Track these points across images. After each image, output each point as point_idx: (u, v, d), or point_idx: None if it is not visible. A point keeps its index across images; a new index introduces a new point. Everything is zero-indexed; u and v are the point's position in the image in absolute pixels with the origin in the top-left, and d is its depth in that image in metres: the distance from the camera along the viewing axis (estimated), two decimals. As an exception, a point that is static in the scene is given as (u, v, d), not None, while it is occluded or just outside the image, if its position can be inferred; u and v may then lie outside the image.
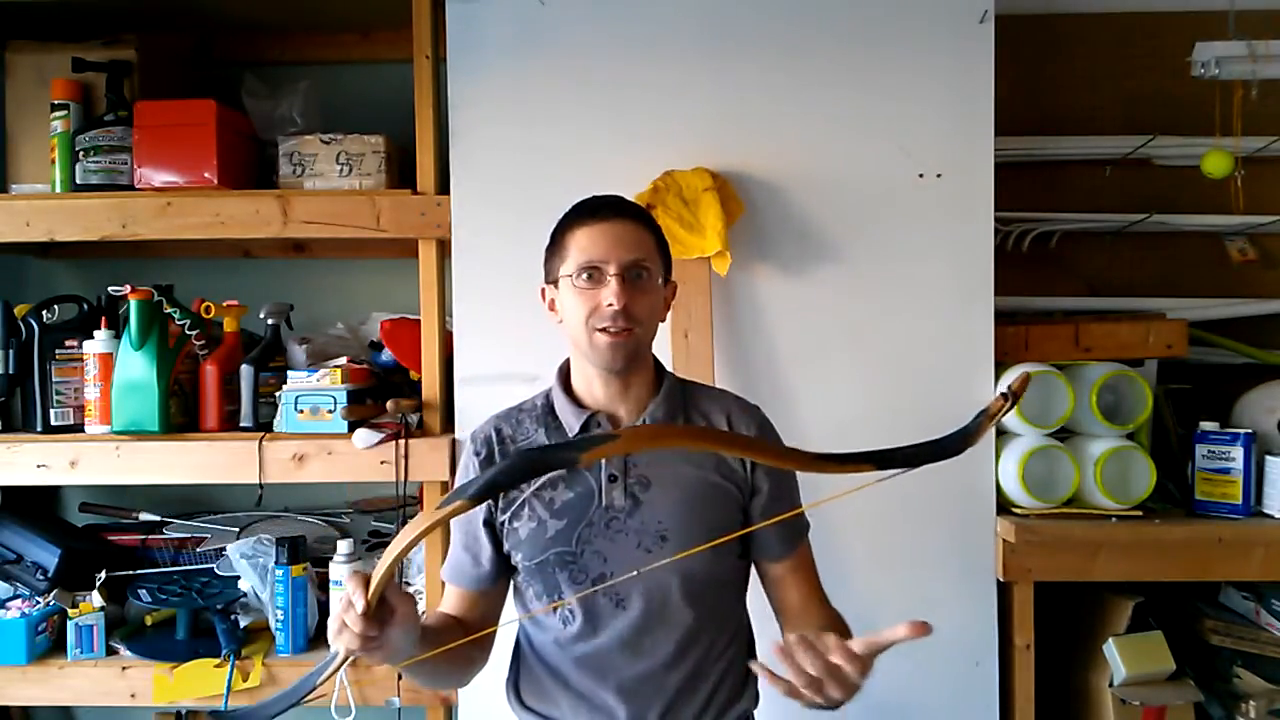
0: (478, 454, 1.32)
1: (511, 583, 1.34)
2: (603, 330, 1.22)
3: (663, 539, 1.24)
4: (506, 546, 1.29)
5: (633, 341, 1.24)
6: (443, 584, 1.37)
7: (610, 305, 1.20)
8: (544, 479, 1.27)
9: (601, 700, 1.26)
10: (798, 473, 1.33)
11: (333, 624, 1.05)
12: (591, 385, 1.30)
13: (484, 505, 1.28)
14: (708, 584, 1.27)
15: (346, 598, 1.03)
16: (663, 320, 1.32)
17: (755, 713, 1.37)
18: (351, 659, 1.09)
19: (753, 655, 1.37)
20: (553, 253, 1.30)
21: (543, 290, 1.32)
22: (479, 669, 1.33)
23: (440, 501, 0.99)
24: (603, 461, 1.25)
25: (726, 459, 1.29)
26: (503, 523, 1.29)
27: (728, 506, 1.28)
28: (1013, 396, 1.04)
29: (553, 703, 1.30)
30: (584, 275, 1.23)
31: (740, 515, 1.30)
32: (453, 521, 1.28)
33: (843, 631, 1.22)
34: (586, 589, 1.24)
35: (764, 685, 1.37)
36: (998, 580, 1.85)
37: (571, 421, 1.29)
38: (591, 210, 1.26)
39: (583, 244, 1.24)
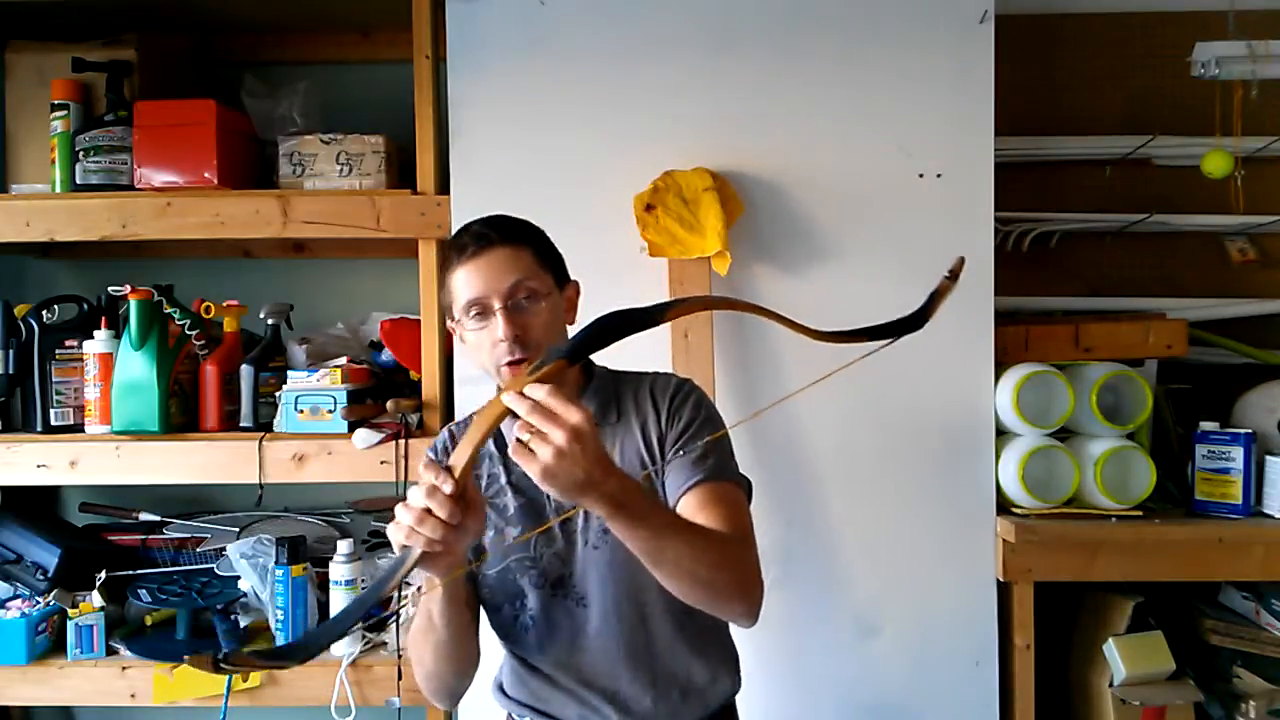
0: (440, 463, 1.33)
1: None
2: (506, 364, 1.22)
3: (605, 532, 1.22)
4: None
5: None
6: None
7: (501, 340, 1.20)
8: (494, 488, 1.29)
9: (584, 695, 1.27)
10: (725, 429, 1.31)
11: (407, 516, 0.99)
12: None
13: None
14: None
15: (430, 484, 0.99)
16: (571, 323, 1.31)
17: (737, 699, 1.36)
18: (416, 563, 1.01)
19: (726, 634, 1.36)
20: (444, 290, 1.29)
21: (450, 328, 1.31)
22: (471, 676, 1.31)
23: (534, 364, 0.99)
24: None
25: (644, 452, 1.27)
26: None
27: (653, 486, 1.27)
28: (954, 275, 1.10)
29: (542, 700, 1.30)
30: (472, 315, 1.23)
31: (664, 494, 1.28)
32: None
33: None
34: (548, 592, 1.25)
35: (746, 670, 1.36)
36: (998, 580, 1.85)
37: (507, 431, 1.28)
38: (461, 248, 1.25)
39: (462, 283, 1.23)
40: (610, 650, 1.25)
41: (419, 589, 1.92)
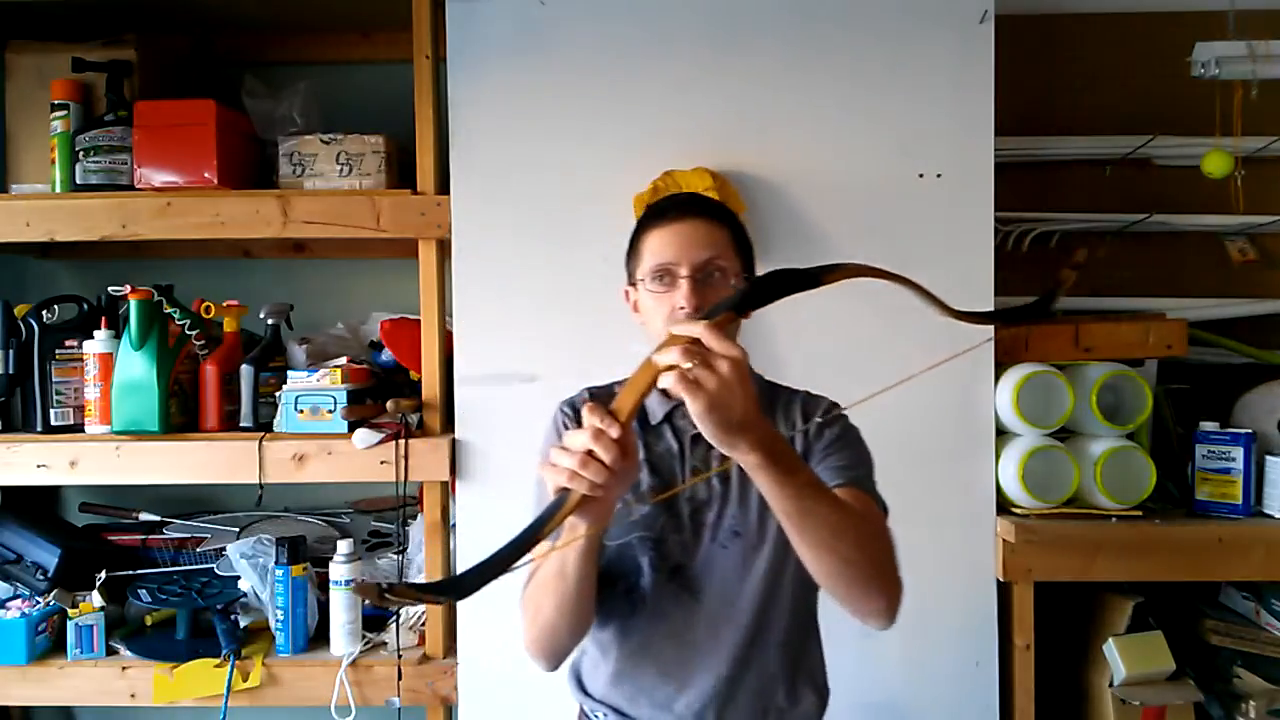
0: (576, 422, 1.27)
1: None
2: None
3: (735, 534, 1.23)
4: None
5: None
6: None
7: (682, 308, 1.19)
8: None
9: (663, 693, 1.25)
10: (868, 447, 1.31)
11: (567, 459, 0.96)
12: None
13: None
14: (778, 579, 1.25)
15: (595, 426, 0.96)
16: (747, 318, 1.28)
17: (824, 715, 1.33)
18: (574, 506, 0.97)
19: (822, 665, 1.34)
20: (630, 255, 1.29)
21: (625, 292, 1.32)
22: (580, 639, 1.27)
23: (713, 309, 0.98)
24: (688, 452, 1.27)
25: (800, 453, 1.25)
26: None
27: None
28: (1077, 266, 1.10)
29: (614, 689, 1.28)
30: (657, 278, 1.22)
31: None
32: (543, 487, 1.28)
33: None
34: (664, 576, 1.23)
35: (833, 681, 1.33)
36: (998, 580, 1.85)
37: (656, 410, 1.30)
38: (661, 212, 1.26)
39: (654, 246, 1.23)
40: (712, 650, 1.24)
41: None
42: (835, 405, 1.33)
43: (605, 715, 1.29)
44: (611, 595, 1.27)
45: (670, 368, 0.94)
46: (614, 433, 0.96)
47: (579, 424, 1.20)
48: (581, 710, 1.34)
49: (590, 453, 0.96)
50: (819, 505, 1.05)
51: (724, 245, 1.24)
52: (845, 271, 1.02)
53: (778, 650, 1.26)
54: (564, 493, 0.97)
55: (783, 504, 1.03)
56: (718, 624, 1.23)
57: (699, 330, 0.95)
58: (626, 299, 1.32)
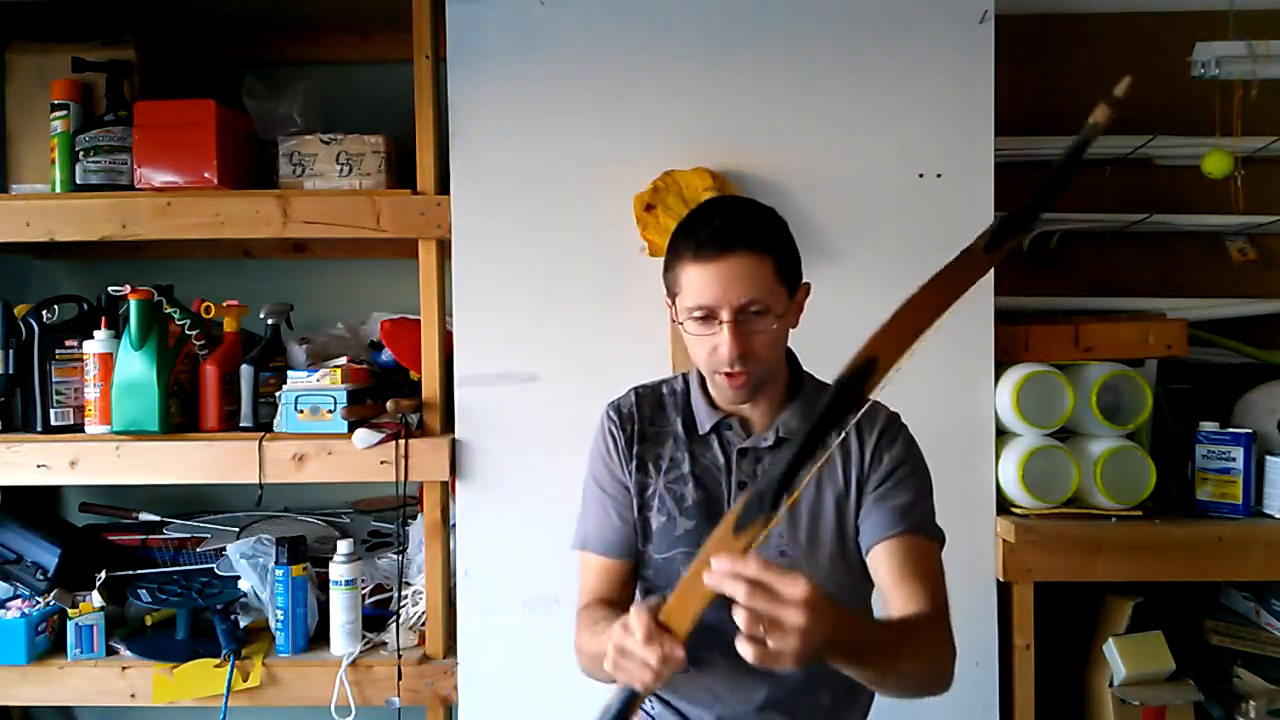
0: (623, 429, 1.29)
1: None
2: (721, 374, 1.20)
3: (781, 554, 1.22)
4: (638, 534, 1.28)
5: (752, 381, 1.21)
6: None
7: (724, 354, 1.17)
8: (674, 474, 1.27)
9: (713, 704, 1.25)
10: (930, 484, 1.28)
11: (628, 664, 0.95)
12: (724, 394, 1.27)
13: (625, 476, 1.28)
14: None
15: (657, 649, 0.93)
16: (794, 326, 1.27)
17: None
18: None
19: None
20: (669, 273, 1.24)
21: (666, 302, 1.28)
22: None
23: (737, 517, 0.90)
24: (734, 465, 1.25)
25: (855, 477, 1.24)
26: (635, 508, 1.28)
27: (846, 519, 1.24)
28: (1117, 104, 0.88)
29: (665, 689, 1.27)
30: (698, 319, 1.19)
31: (857, 529, 1.24)
32: (599, 490, 1.29)
33: (914, 628, 1.12)
34: None
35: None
36: (998, 580, 1.85)
37: (704, 420, 1.29)
38: (700, 243, 1.18)
39: (694, 284, 1.18)
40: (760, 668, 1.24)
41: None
42: (896, 418, 1.30)
43: (651, 704, 1.28)
44: None
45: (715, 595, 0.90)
46: (678, 654, 0.93)
47: (631, 437, 1.24)
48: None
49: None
50: (897, 663, 1.04)
51: (766, 280, 1.18)
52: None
53: (825, 667, 1.27)
54: (628, 688, 0.98)
55: (865, 677, 1.03)
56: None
57: (752, 570, 0.87)
58: (667, 306, 1.29)
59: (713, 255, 1.16)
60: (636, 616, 0.94)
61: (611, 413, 1.32)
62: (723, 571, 0.88)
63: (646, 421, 1.30)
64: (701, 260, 1.17)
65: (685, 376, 1.34)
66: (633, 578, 1.30)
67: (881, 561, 1.19)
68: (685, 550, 1.24)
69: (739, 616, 0.88)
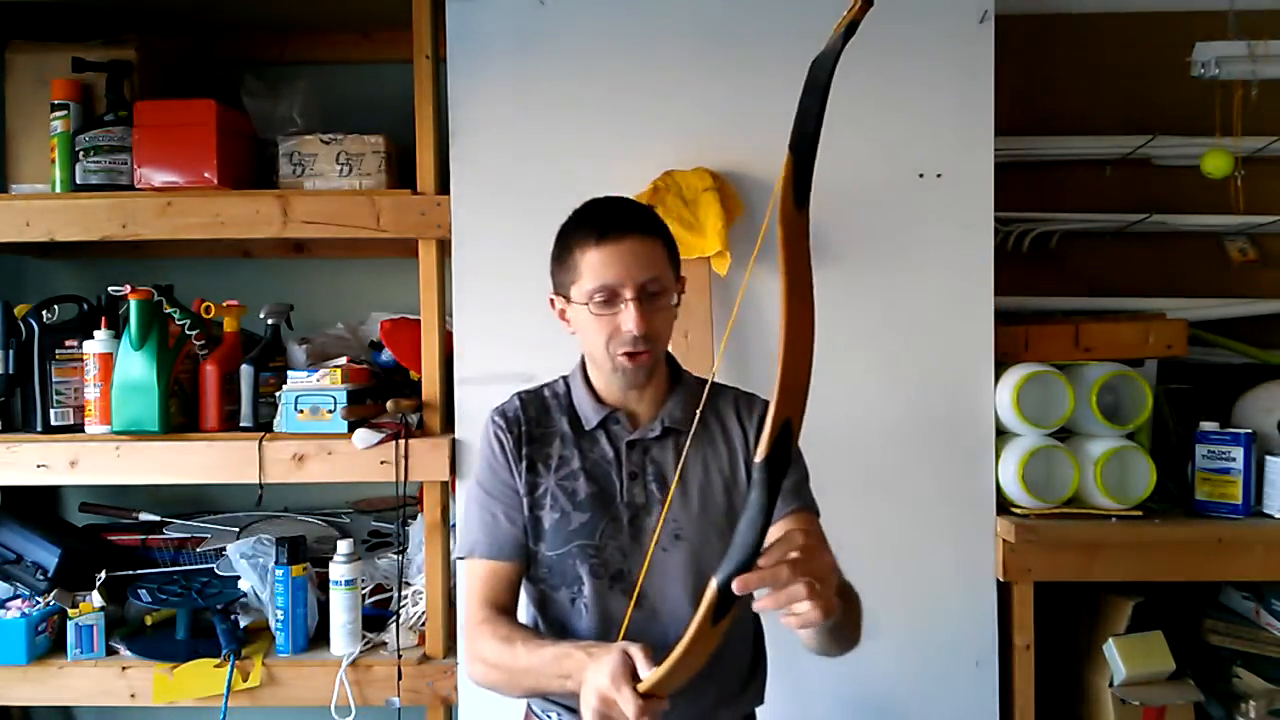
0: (510, 431, 1.31)
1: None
2: (624, 354, 1.22)
3: (676, 538, 1.25)
4: (528, 535, 1.29)
5: (653, 360, 1.25)
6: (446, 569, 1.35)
7: (630, 331, 1.20)
8: (565, 471, 1.28)
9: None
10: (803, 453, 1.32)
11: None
12: (610, 387, 1.30)
13: (515, 479, 1.29)
14: None
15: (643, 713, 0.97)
16: (674, 318, 1.31)
17: (758, 711, 1.37)
18: None
19: (761, 654, 1.37)
20: (561, 266, 1.27)
21: (552, 300, 1.31)
22: None
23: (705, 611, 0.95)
24: (624, 457, 1.28)
25: (741, 459, 1.29)
26: (526, 509, 1.29)
27: (738, 501, 1.28)
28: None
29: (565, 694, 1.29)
30: (600, 301, 1.21)
31: None
32: (485, 495, 1.30)
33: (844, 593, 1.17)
34: (605, 583, 1.25)
35: (770, 686, 1.37)
36: (998, 580, 1.85)
37: (591, 416, 1.30)
38: (601, 229, 1.22)
39: (595, 266, 1.21)
40: (659, 652, 1.25)
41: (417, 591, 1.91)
42: (769, 404, 1.33)
43: (558, 715, 1.30)
44: (556, 605, 1.29)
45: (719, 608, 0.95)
46: (665, 707, 0.98)
47: (519, 439, 1.28)
48: (530, 709, 1.35)
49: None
50: (849, 612, 1.12)
51: (662, 261, 1.24)
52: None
53: (732, 647, 1.28)
54: None
55: (825, 634, 1.11)
56: (664, 626, 1.24)
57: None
58: (552, 306, 1.31)
59: (614, 238, 1.21)
60: (621, 694, 0.97)
61: (497, 418, 1.33)
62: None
63: (533, 423, 1.32)
64: (604, 244, 1.21)
65: (565, 379, 1.36)
66: (519, 584, 1.31)
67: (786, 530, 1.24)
68: (580, 544, 1.25)
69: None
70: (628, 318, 1.20)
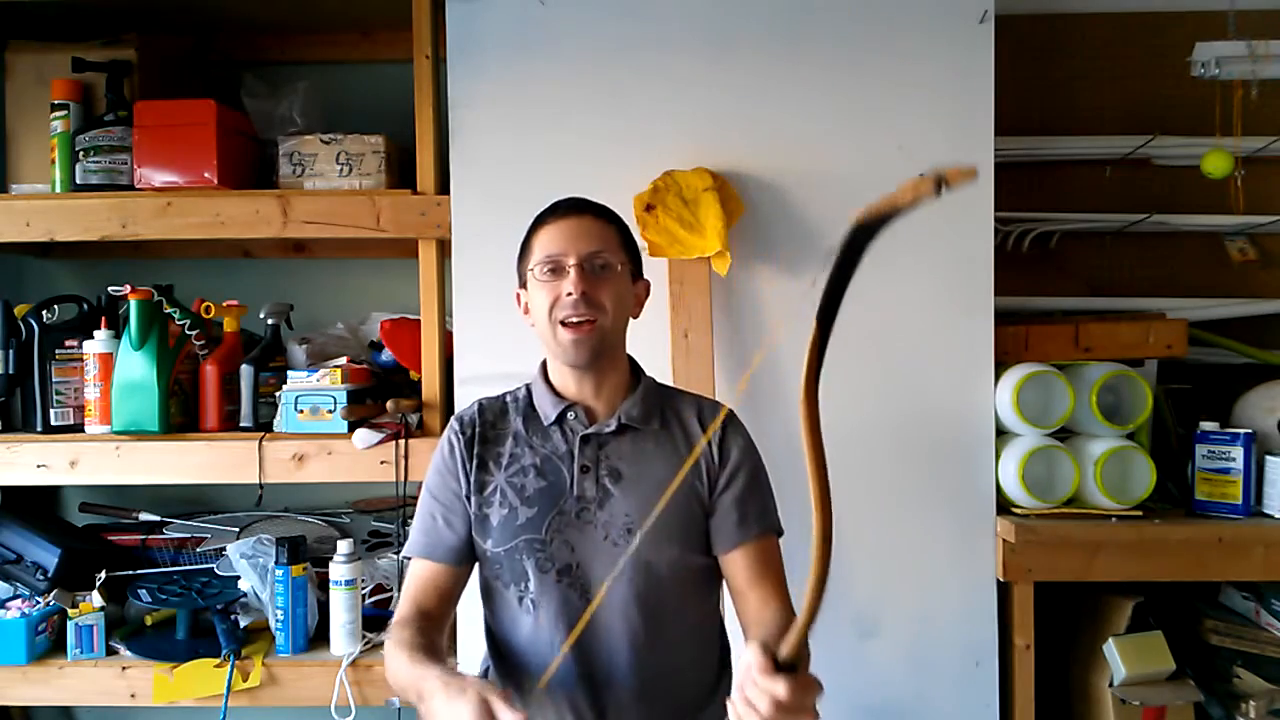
0: (463, 434, 1.33)
1: (474, 573, 1.34)
2: (565, 324, 1.24)
3: (628, 532, 1.24)
4: (475, 532, 1.30)
5: (596, 334, 1.25)
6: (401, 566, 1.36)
7: (570, 294, 1.23)
8: (514, 468, 1.29)
9: (564, 694, 1.26)
10: (768, 476, 1.34)
11: None
12: (566, 380, 1.32)
13: (462, 482, 1.30)
14: (671, 581, 1.27)
15: None
16: (635, 317, 1.34)
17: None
18: None
19: (726, 660, 1.37)
20: (521, 256, 1.32)
21: (518, 295, 1.34)
22: None
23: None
24: (576, 451, 1.28)
25: (701, 464, 1.29)
26: (475, 508, 1.29)
27: (693, 504, 1.28)
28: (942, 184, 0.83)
29: (517, 696, 1.29)
30: (546, 268, 1.26)
31: (704, 515, 1.30)
32: (429, 497, 1.32)
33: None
34: (552, 577, 1.25)
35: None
36: (998, 580, 1.85)
37: (548, 410, 1.31)
38: (552, 210, 1.31)
39: (544, 241, 1.28)
40: (607, 649, 1.25)
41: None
42: (734, 416, 1.36)
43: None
44: (506, 603, 1.29)
45: None
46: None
47: (472, 439, 1.29)
48: None
49: None
50: None
51: (611, 241, 1.29)
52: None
53: (683, 640, 1.29)
54: None
55: None
56: (616, 620, 1.24)
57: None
58: (518, 302, 1.34)
59: (564, 215, 1.29)
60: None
61: (454, 422, 1.35)
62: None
63: (488, 426, 1.34)
64: (553, 221, 1.28)
65: (528, 385, 1.38)
66: (453, 590, 1.31)
67: (739, 566, 1.27)
68: (527, 539, 1.25)
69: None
70: (568, 281, 1.23)
